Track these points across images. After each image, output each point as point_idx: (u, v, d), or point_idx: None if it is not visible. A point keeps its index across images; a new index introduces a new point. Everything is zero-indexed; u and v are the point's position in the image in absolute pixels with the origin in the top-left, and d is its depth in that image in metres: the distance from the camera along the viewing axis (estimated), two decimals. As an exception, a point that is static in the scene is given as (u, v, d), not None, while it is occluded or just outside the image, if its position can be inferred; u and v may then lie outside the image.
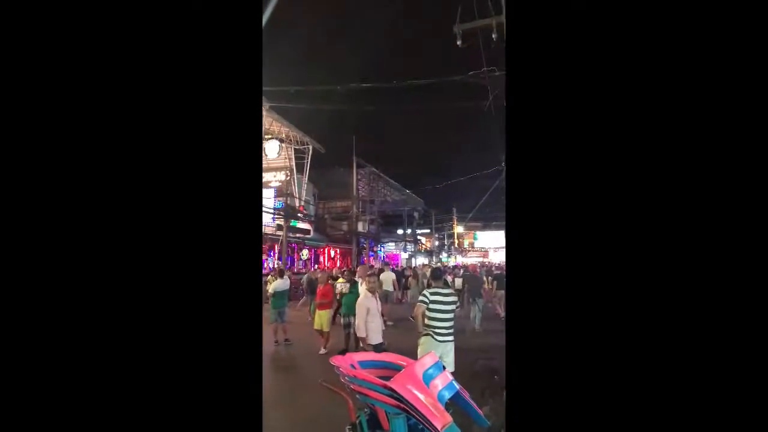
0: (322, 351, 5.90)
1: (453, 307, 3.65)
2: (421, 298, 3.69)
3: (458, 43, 7.33)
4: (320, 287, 6.54)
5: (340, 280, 7.00)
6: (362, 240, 20.52)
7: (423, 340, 3.62)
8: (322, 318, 6.15)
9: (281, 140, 18.10)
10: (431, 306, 3.59)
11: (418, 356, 3.37)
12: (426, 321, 3.62)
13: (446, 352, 3.50)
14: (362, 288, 5.53)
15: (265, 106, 15.83)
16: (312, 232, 18.86)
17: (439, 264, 22.90)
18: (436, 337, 3.55)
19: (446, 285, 6.74)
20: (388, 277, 9.68)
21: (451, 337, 3.63)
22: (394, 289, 9.88)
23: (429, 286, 4.82)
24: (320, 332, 6.14)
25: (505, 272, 10.49)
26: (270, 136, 18.19)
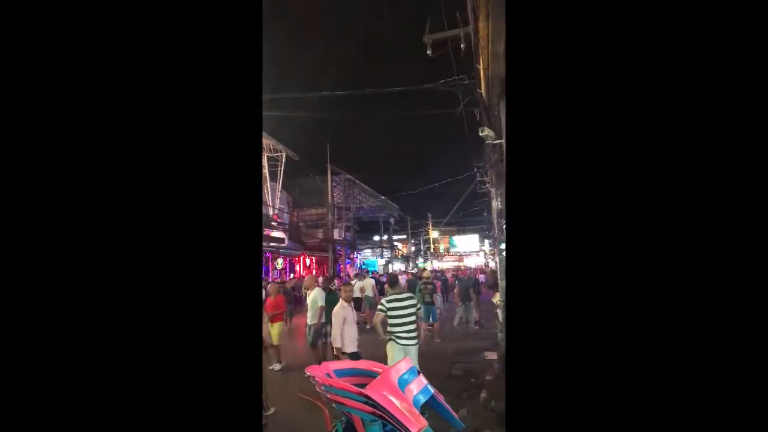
0: (277, 366, 5.62)
1: (412, 311, 3.75)
2: (379, 307, 3.80)
3: (428, 52, 7.50)
4: (270, 299, 6.06)
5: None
6: (338, 247, 20.40)
7: (388, 345, 3.72)
8: (274, 330, 5.78)
9: (254, 148, 17.78)
10: (390, 313, 3.69)
11: (388, 362, 3.42)
12: (388, 327, 3.71)
13: (410, 355, 3.58)
14: (311, 296, 5.49)
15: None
16: (287, 241, 18.59)
17: (416, 269, 23.03)
18: (398, 341, 3.65)
19: (429, 287, 6.81)
20: (368, 283, 9.86)
21: (414, 341, 3.73)
22: (374, 294, 9.98)
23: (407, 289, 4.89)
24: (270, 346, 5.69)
25: (473, 277, 10.75)
26: (242, 144, 17.82)
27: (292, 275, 17.31)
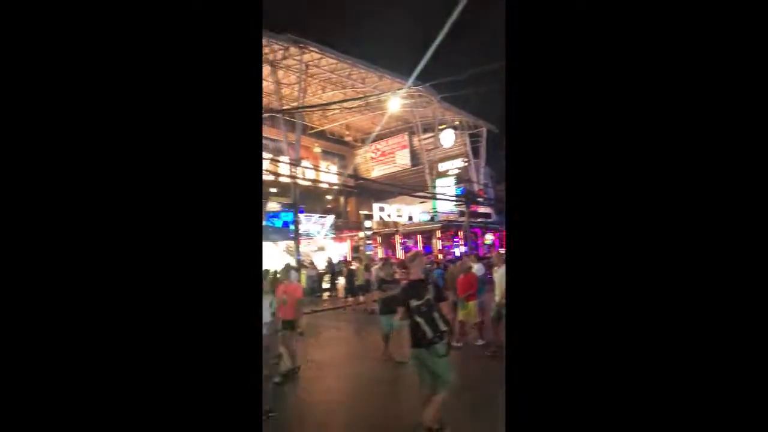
0: (480, 342, 5.57)
1: None
2: None
3: None
4: (462, 277, 5.72)
5: None
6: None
7: None
8: (469, 308, 5.60)
9: (455, 128, 18.36)
10: None
11: None
12: None
13: None
14: (497, 274, 5.06)
15: (436, 98, 16.33)
16: (493, 216, 18.56)
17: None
18: None
19: None
20: None
21: None
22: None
23: None
24: (463, 323, 5.65)
25: None
26: (444, 126, 18.67)
27: (500, 249, 17.22)
